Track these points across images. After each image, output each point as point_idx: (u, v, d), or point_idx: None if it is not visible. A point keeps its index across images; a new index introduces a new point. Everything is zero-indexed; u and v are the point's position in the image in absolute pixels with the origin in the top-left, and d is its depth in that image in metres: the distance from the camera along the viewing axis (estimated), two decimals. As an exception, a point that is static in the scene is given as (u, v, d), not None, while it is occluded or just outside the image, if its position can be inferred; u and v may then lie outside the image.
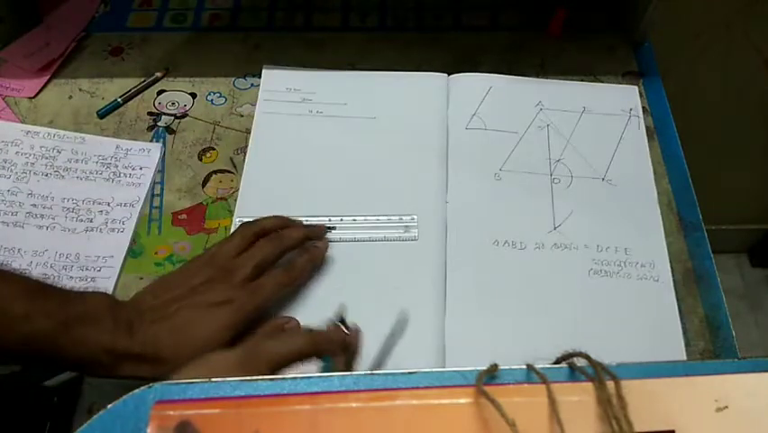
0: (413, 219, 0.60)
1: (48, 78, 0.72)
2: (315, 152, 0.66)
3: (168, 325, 0.47)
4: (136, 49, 0.75)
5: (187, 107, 0.70)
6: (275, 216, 0.57)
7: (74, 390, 0.52)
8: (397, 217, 0.60)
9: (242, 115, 0.69)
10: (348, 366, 0.48)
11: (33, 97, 0.70)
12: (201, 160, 0.66)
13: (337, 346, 0.47)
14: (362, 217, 0.60)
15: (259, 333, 0.50)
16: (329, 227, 0.59)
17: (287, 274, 0.53)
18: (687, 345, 0.55)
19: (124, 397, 0.30)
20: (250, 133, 0.67)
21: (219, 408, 0.30)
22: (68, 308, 0.45)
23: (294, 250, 0.55)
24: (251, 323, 0.50)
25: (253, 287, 0.51)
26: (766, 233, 1.44)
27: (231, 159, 0.66)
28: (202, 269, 0.51)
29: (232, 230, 0.60)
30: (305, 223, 0.58)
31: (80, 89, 0.71)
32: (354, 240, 0.59)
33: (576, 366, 0.31)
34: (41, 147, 0.66)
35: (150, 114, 0.70)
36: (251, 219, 0.57)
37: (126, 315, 0.47)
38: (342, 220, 0.60)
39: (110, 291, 0.57)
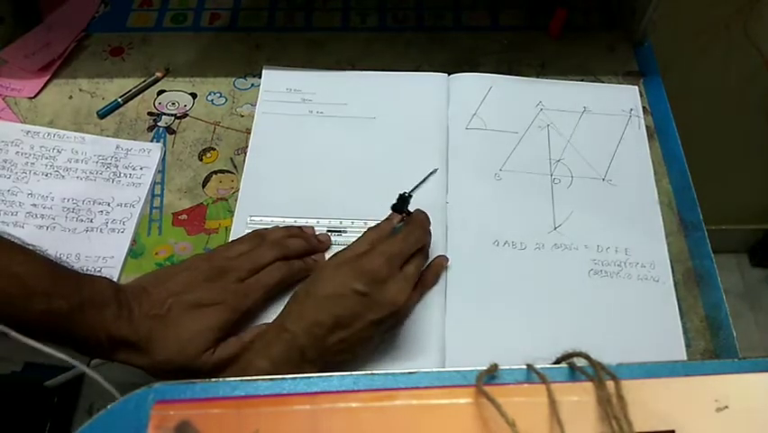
0: None
1: (48, 78, 0.72)
2: (315, 153, 0.66)
3: (160, 320, 0.48)
4: (136, 49, 0.75)
5: (188, 107, 0.70)
6: (286, 227, 0.58)
7: (74, 390, 0.52)
8: None
9: (242, 116, 0.69)
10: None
11: (33, 97, 0.70)
12: (201, 160, 0.66)
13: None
14: (374, 222, 0.60)
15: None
16: (339, 230, 0.60)
17: (275, 273, 0.54)
18: (687, 345, 0.55)
19: (124, 397, 0.30)
20: (250, 133, 0.67)
21: (219, 408, 0.30)
22: (81, 291, 0.46)
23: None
24: (240, 324, 0.52)
25: (244, 289, 0.52)
26: (766, 233, 1.44)
27: (231, 159, 0.66)
28: (200, 266, 0.52)
29: (233, 229, 0.60)
30: (314, 233, 0.59)
31: (80, 89, 0.71)
32: None
33: (576, 366, 0.31)
34: (41, 147, 0.66)
35: (150, 114, 0.70)
36: (259, 216, 0.59)
37: (128, 303, 0.48)
38: (353, 223, 0.60)
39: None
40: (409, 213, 0.56)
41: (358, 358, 0.51)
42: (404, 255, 0.51)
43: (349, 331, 0.48)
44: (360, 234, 0.57)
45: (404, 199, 0.53)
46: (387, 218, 0.56)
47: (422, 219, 0.55)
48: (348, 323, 0.48)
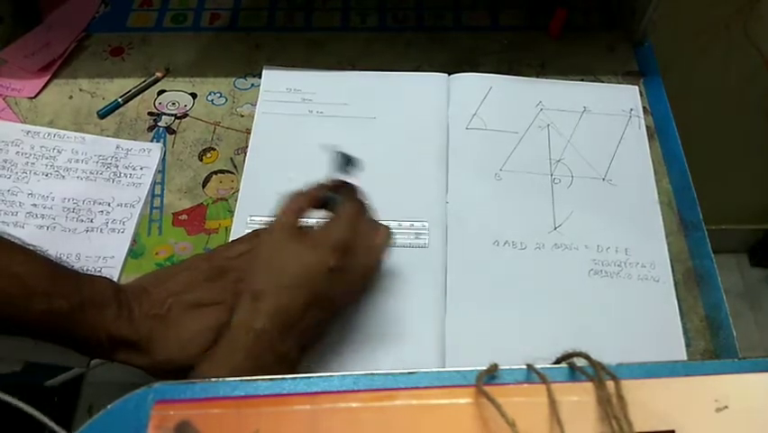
0: (424, 226, 0.60)
1: (48, 78, 0.72)
2: (315, 153, 0.65)
3: (161, 319, 0.48)
4: (136, 49, 0.75)
5: (188, 107, 0.70)
6: None
7: (74, 390, 0.52)
8: (409, 223, 0.60)
9: (242, 116, 0.69)
10: None
11: (34, 97, 0.70)
12: (201, 160, 0.66)
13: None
14: None
15: None
16: None
17: None
18: (687, 345, 0.55)
19: (124, 397, 0.30)
20: (250, 133, 0.67)
21: (219, 408, 0.30)
22: (81, 290, 0.46)
23: None
24: None
25: (242, 288, 0.51)
26: (766, 233, 1.44)
27: (231, 159, 0.66)
28: (200, 266, 0.52)
29: (233, 229, 0.60)
30: None
31: (80, 89, 0.71)
32: None
33: (576, 366, 0.31)
34: (41, 147, 0.66)
35: (150, 114, 0.70)
36: (259, 216, 0.59)
37: (128, 303, 0.48)
38: None
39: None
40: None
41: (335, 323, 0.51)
42: (361, 218, 0.50)
43: (323, 308, 0.47)
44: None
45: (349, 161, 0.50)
46: (316, 186, 0.52)
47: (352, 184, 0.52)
48: (322, 301, 0.47)
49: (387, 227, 0.52)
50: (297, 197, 0.50)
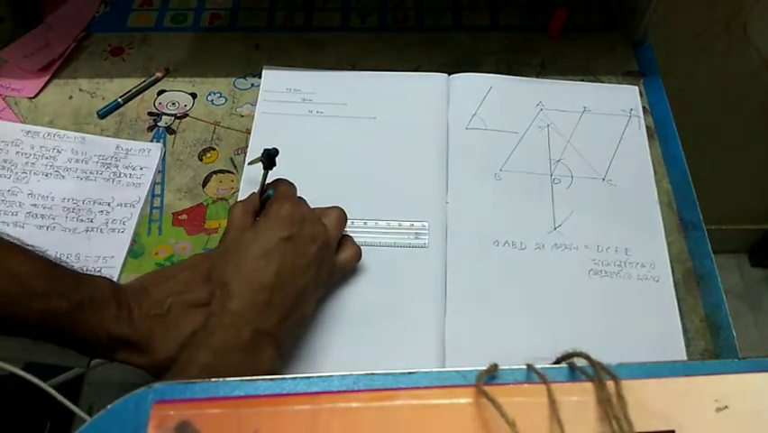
0: (424, 226, 0.60)
1: (48, 78, 0.72)
2: (315, 153, 0.66)
3: (160, 319, 0.48)
4: (136, 49, 0.75)
5: (188, 107, 0.70)
6: None
7: (74, 390, 0.52)
8: (409, 223, 0.60)
9: (242, 116, 0.69)
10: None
11: (34, 97, 0.70)
12: (201, 160, 0.66)
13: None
14: (373, 222, 0.60)
15: None
16: None
17: None
18: (687, 345, 0.55)
19: (124, 397, 0.30)
20: (250, 133, 0.67)
21: (219, 408, 0.30)
22: (80, 290, 0.46)
23: None
24: None
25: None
26: (766, 233, 1.44)
27: (231, 159, 0.66)
28: (200, 265, 0.52)
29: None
30: None
31: (80, 89, 0.71)
32: (363, 244, 0.58)
33: (576, 366, 0.31)
34: (41, 147, 0.66)
35: (150, 114, 0.70)
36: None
37: (128, 302, 0.48)
38: (353, 223, 0.59)
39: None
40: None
41: (316, 303, 0.53)
42: (296, 195, 0.54)
43: (295, 283, 0.48)
44: (358, 234, 0.58)
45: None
46: (249, 197, 0.55)
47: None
48: (289, 273, 0.48)
49: (339, 208, 0.55)
50: (241, 203, 0.53)
